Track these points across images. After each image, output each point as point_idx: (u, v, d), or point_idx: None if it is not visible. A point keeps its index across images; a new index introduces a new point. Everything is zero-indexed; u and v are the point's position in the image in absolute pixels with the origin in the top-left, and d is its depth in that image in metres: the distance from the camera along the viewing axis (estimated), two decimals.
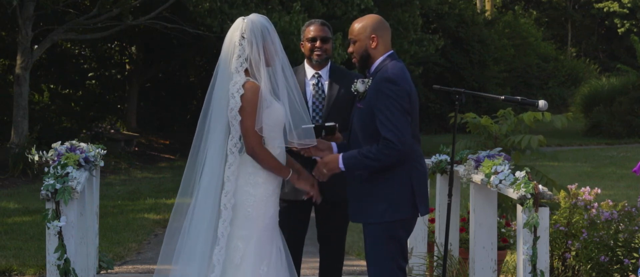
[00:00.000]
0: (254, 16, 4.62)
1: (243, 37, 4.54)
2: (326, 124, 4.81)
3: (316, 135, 4.73)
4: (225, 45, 4.59)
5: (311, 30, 5.23)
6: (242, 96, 4.48)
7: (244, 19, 4.59)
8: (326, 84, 5.30)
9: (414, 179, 4.56)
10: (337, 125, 4.82)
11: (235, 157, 4.57)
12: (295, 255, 4.96)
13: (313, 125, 4.73)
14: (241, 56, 4.54)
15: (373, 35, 4.61)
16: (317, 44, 5.25)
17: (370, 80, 4.58)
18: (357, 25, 4.67)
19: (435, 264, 6.91)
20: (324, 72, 5.33)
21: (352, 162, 4.51)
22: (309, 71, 5.31)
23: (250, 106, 4.48)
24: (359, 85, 4.62)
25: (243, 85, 4.50)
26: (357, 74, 5.14)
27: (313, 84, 5.29)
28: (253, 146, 4.51)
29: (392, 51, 4.67)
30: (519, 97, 5.34)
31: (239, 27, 4.57)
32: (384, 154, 4.42)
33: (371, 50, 4.62)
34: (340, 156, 4.56)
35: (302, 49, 5.36)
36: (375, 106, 4.46)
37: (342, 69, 5.52)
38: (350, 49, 4.70)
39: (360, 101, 4.62)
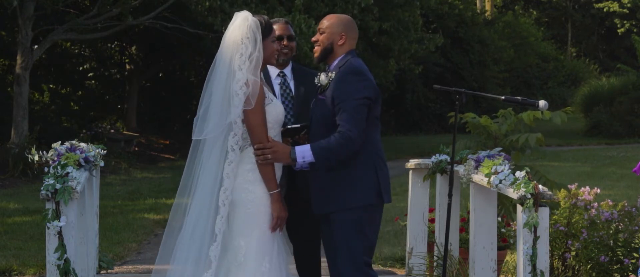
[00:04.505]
0: (254, 16, 4.65)
1: (247, 37, 4.56)
2: (301, 125, 4.90)
3: (295, 135, 4.85)
4: (227, 42, 4.60)
5: (275, 29, 5.19)
6: (246, 92, 4.51)
7: (246, 18, 4.60)
8: (292, 83, 5.31)
9: (378, 167, 4.64)
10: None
11: (236, 155, 4.59)
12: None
13: (298, 125, 4.87)
14: (243, 55, 4.56)
15: (343, 34, 4.71)
16: (284, 42, 5.25)
17: (333, 74, 4.65)
18: (328, 21, 4.76)
19: (435, 264, 6.91)
20: (288, 71, 5.34)
21: (311, 154, 4.50)
22: (273, 71, 5.30)
23: (255, 99, 4.52)
24: (323, 78, 4.70)
25: (246, 83, 4.52)
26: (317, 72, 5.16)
27: (279, 84, 5.30)
28: (261, 141, 4.53)
29: (353, 49, 4.75)
30: (519, 98, 5.34)
31: (241, 26, 4.58)
32: (342, 147, 4.48)
33: (336, 47, 4.71)
34: (294, 147, 4.55)
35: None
36: (339, 97, 4.54)
37: (303, 67, 5.52)
38: (316, 38, 4.76)
39: (322, 93, 4.68)
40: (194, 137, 4.60)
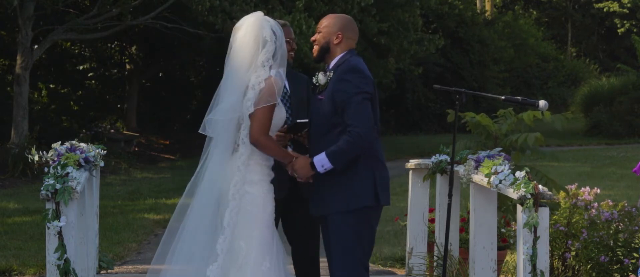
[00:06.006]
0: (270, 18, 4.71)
1: (274, 34, 4.62)
2: (303, 121, 4.94)
3: (298, 132, 4.92)
4: (249, 40, 4.61)
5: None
6: (262, 88, 4.55)
7: (267, 18, 4.67)
8: (286, 83, 5.35)
9: (376, 169, 4.65)
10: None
11: (246, 147, 4.60)
12: None
13: (306, 120, 4.88)
14: (269, 52, 4.59)
15: (339, 33, 4.73)
16: (292, 45, 5.31)
17: (331, 73, 4.67)
18: (327, 21, 4.80)
19: (435, 264, 6.91)
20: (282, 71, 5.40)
21: (328, 161, 4.55)
22: None
23: (269, 96, 4.55)
24: (321, 77, 4.72)
25: (265, 80, 4.56)
26: (306, 78, 5.18)
27: None
28: (258, 134, 4.55)
29: (353, 49, 4.76)
30: (519, 98, 5.34)
31: (264, 25, 4.63)
32: (353, 145, 4.51)
33: (332, 46, 4.73)
34: (313, 159, 4.60)
35: None
36: (340, 97, 4.55)
37: (292, 71, 5.56)
38: (314, 37, 4.80)
39: (321, 93, 4.70)
40: (200, 131, 4.63)
